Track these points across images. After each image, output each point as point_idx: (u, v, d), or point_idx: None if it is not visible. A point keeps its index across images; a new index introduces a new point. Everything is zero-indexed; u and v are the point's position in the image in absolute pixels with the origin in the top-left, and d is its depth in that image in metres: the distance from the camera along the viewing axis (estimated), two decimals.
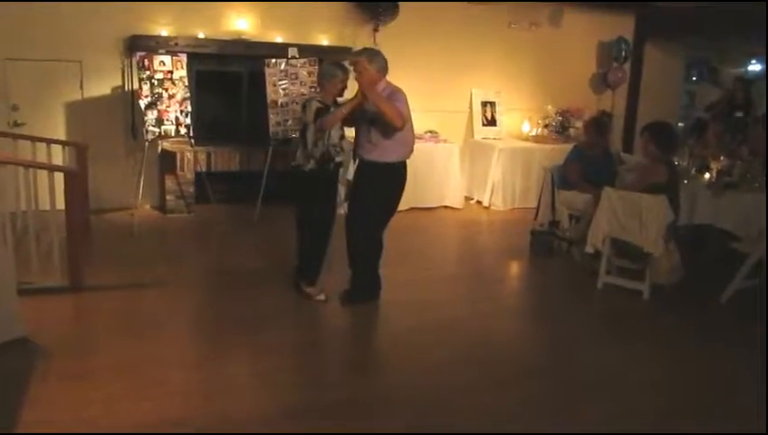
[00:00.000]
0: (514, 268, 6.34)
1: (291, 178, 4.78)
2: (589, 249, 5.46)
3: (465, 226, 7.57)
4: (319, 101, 4.67)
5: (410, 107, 4.59)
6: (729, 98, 8.78)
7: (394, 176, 4.70)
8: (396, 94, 4.54)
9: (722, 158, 6.45)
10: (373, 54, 4.59)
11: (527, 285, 6.03)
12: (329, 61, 7.73)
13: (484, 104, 8.94)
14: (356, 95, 4.54)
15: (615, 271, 5.59)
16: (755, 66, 12.10)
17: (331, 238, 4.83)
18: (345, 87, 4.76)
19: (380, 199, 4.72)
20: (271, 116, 7.06)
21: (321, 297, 4.84)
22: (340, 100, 4.79)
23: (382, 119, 4.41)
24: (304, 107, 4.72)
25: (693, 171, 6.29)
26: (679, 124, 10.04)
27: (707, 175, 6.15)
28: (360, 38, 8.00)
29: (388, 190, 4.73)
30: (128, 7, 6.95)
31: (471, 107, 8.96)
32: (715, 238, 6.23)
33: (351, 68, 4.65)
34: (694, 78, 11.97)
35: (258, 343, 4.17)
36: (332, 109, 4.64)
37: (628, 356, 4.30)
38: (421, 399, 3.62)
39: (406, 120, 4.45)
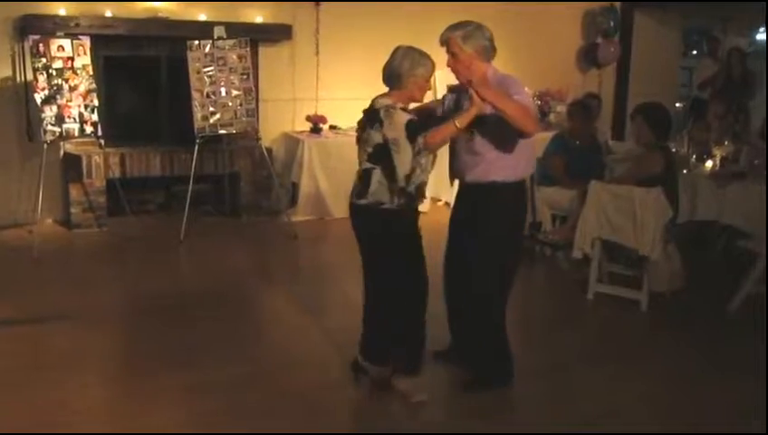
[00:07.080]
0: None
1: (364, 221, 3.97)
2: (576, 254, 5.55)
3: (433, 231, 7.50)
4: (403, 109, 3.79)
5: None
6: (726, 73, 9.00)
7: (509, 202, 3.99)
8: (509, 82, 3.82)
9: (726, 143, 6.60)
10: (471, 30, 3.84)
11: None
12: (266, 41, 7.85)
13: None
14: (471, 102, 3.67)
15: (607, 278, 5.71)
16: (764, 35, 12.36)
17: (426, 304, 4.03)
18: (431, 85, 3.93)
19: (497, 239, 3.97)
20: (196, 109, 7.03)
21: (423, 397, 3.95)
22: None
23: (498, 122, 3.67)
24: (376, 120, 3.77)
25: (693, 159, 6.43)
26: (677, 105, 10.26)
27: (710, 163, 6.30)
28: (300, 15, 8.03)
29: (503, 225, 3.99)
30: None
31: (435, 94, 9.03)
32: (719, 236, 6.42)
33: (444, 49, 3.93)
34: (694, 52, 12.24)
35: (189, 383, 4.13)
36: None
37: (629, 383, 4.35)
38: None
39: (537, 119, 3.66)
